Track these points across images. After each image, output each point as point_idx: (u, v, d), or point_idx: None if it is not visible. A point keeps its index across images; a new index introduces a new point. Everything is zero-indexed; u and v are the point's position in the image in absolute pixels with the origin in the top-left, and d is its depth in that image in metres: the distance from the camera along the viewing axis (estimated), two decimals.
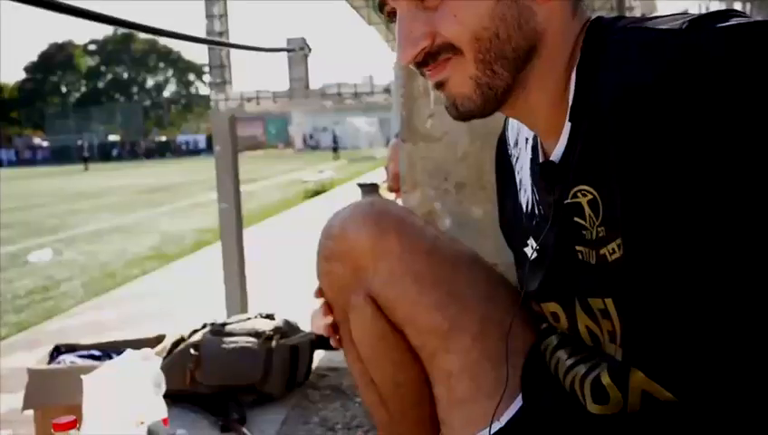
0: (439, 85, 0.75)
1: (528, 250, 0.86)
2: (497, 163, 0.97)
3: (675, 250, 0.65)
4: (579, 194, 0.72)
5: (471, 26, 0.70)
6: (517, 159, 0.90)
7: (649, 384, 0.71)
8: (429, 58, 0.73)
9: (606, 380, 0.74)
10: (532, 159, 0.85)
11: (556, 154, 0.76)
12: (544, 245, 0.80)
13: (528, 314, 0.92)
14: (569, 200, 0.73)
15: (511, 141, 0.93)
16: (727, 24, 0.62)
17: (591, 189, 0.70)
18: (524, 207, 0.87)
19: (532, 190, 0.85)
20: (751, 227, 0.63)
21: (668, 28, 0.65)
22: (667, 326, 0.68)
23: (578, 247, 0.74)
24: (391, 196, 5.49)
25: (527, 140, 0.87)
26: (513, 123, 0.93)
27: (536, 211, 0.84)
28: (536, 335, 0.92)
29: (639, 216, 0.65)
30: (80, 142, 39.21)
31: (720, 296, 0.66)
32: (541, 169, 0.78)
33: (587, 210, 0.71)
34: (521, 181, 0.88)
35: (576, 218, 0.73)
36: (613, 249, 0.69)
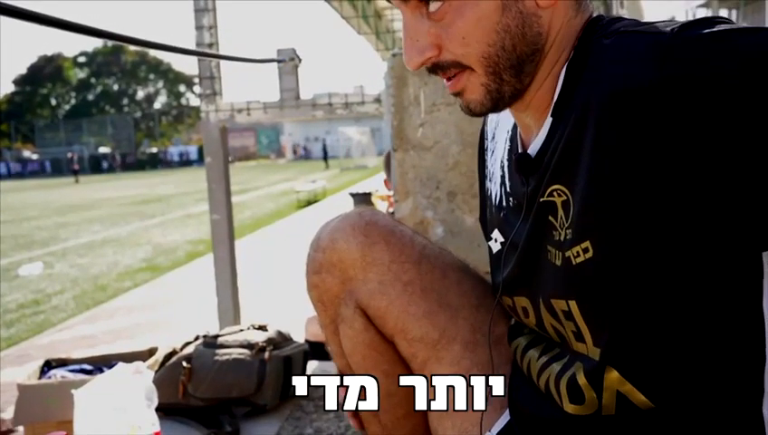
0: (456, 94, 0.77)
1: (492, 244, 0.86)
2: (479, 157, 0.98)
3: (650, 254, 0.65)
4: (554, 193, 0.73)
5: (478, 47, 0.71)
6: (492, 151, 0.91)
7: (624, 385, 0.71)
8: (438, 69, 0.75)
9: (582, 380, 0.74)
10: (509, 150, 0.86)
11: (533, 147, 0.77)
12: (517, 237, 0.81)
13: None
14: (544, 198, 0.74)
15: (489, 135, 0.94)
16: (713, 30, 0.63)
17: (565, 190, 0.71)
18: (493, 198, 0.88)
19: (502, 182, 0.86)
20: (729, 230, 0.63)
21: (657, 33, 0.65)
22: (639, 328, 0.68)
23: (548, 247, 0.75)
24: (383, 205, 5.50)
25: (508, 132, 0.88)
26: (493, 116, 0.94)
27: (504, 203, 0.85)
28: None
29: (615, 218, 0.65)
30: (69, 155, 38.59)
31: (694, 302, 0.66)
32: (516, 160, 0.79)
33: (560, 211, 0.72)
34: (492, 173, 0.90)
35: (549, 217, 0.74)
36: (578, 252, 0.69)
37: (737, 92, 0.59)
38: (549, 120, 0.74)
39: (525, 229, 0.78)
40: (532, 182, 0.76)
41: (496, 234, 0.86)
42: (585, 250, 0.68)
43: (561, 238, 0.72)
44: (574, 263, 0.70)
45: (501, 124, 0.90)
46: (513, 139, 0.85)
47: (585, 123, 0.67)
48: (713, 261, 0.65)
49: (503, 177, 0.86)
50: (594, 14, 0.76)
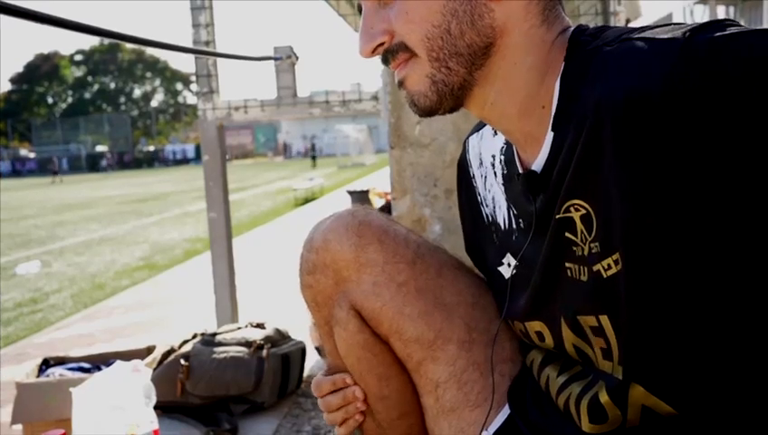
0: (400, 84, 0.77)
1: (503, 269, 0.85)
2: (459, 188, 0.96)
3: (678, 265, 0.64)
4: (571, 208, 0.71)
5: (422, 25, 0.72)
6: (485, 178, 0.90)
7: (649, 399, 0.70)
8: (388, 55, 0.75)
9: (604, 398, 0.73)
10: (506, 174, 0.84)
11: (538, 164, 0.75)
12: (527, 258, 0.79)
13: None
14: (560, 215, 0.72)
15: (473, 163, 0.93)
16: (726, 33, 0.62)
17: (585, 204, 0.69)
18: (502, 224, 0.86)
19: (509, 206, 0.84)
20: (753, 238, 0.62)
21: (668, 38, 0.64)
22: (669, 341, 0.67)
23: (567, 264, 0.73)
24: (381, 202, 5.50)
25: (494, 156, 0.87)
26: (474, 144, 0.93)
27: (514, 226, 0.84)
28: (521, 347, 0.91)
29: (641, 229, 0.64)
30: (50, 166, 37.28)
31: (722, 310, 0.65)
32: (522, 179, 0.77)
33: (579, 226, 0.70)
34: (493, 198, 0.88)
35: (567, 234, 0.72)
36: (609, 265, 0.68)
37: (761, 95, 0.59)
38: (550, 135, 0.73)
39: (542, 250, 0.76)
40: (540, 200, 0.75)
41: (509, 258, 0.84)
42: (617, 262, 0.67)
43: (585, 253, 0.70)
44: (605, 276, 0.68)
45: (484, 150, 0.89)
46: (509, 161, 0.83)
47: (601, 134, 0.66)
48: (738, 264, 0.64)
49: (508, 200, 0.85)
50: (571, 25, 0.75)
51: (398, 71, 0.76)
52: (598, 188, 0.67)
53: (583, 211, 0.70)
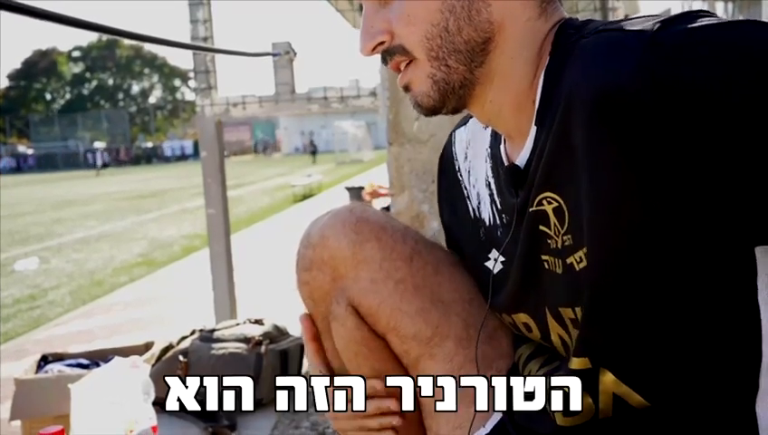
0: (406, 89, 0.78)
1: (490, 263, 0.85)
2: (440, 181, 0.97)
3: (645, 255, 0.64)
4: (544, 201, 0.71)
5: (422, 26, 0.72)
6: (469, 171, 0.90)
7: (619, 387, 0.70)
8: (387, 55, 0.76)
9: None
10: (493, 168, 0.85)
11: (521, 159, 0.75)
12: (509, 253, 0.79)
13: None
14: (534, 208, 0.72)
15: (459, 156, 0.93)
16: (695, 25, 0.62)
17: (557, 196, 0.70)
18: (487, 220, 0.86)
19: (492, 200, 0.85)
20: (722, 227, 0.62)
21: (638, 30, 0.64)
22: (634, 332, 0.68)
23: (543, 257, 0.74)
24: (383, 202, 5.51)
25: (487, 150, 0.87)
26: (461, 137, 0.93)
27: (498, 221, 0.84)
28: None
29: (607, 227, 0.64)
30: (30, 151, 37.09)
31: (684, 304, 0.66)
32: (505, 173, 0.78)
33: (552, 218, 0.71)
34: (479, 194, 0.88)
35: (541, 227, 0.73)
36: (580, 257, 0.68)
37: (725, 90, 0.59)
38: (533, 128, 0.73)
39: (517, 243, 0.76)
40: (522, 194, 0.75)
41: (495, 253, 0.84)
42: (587, 255, 0.68)
43: (559, 246, 0.71)
44: (577, 269, 0.69)
45: (473, 144, 0.90)
46: (495, 155, 0.84)
47: (571, 125, 0.66)
48: (707, 259, 0.64)
49: (491, 195, 0.85)
50: (577, 15, 0.75)
51: (401, 76, 0.76)
52: (569, 180, 0.67)
53: (555, 204, 0.70)
